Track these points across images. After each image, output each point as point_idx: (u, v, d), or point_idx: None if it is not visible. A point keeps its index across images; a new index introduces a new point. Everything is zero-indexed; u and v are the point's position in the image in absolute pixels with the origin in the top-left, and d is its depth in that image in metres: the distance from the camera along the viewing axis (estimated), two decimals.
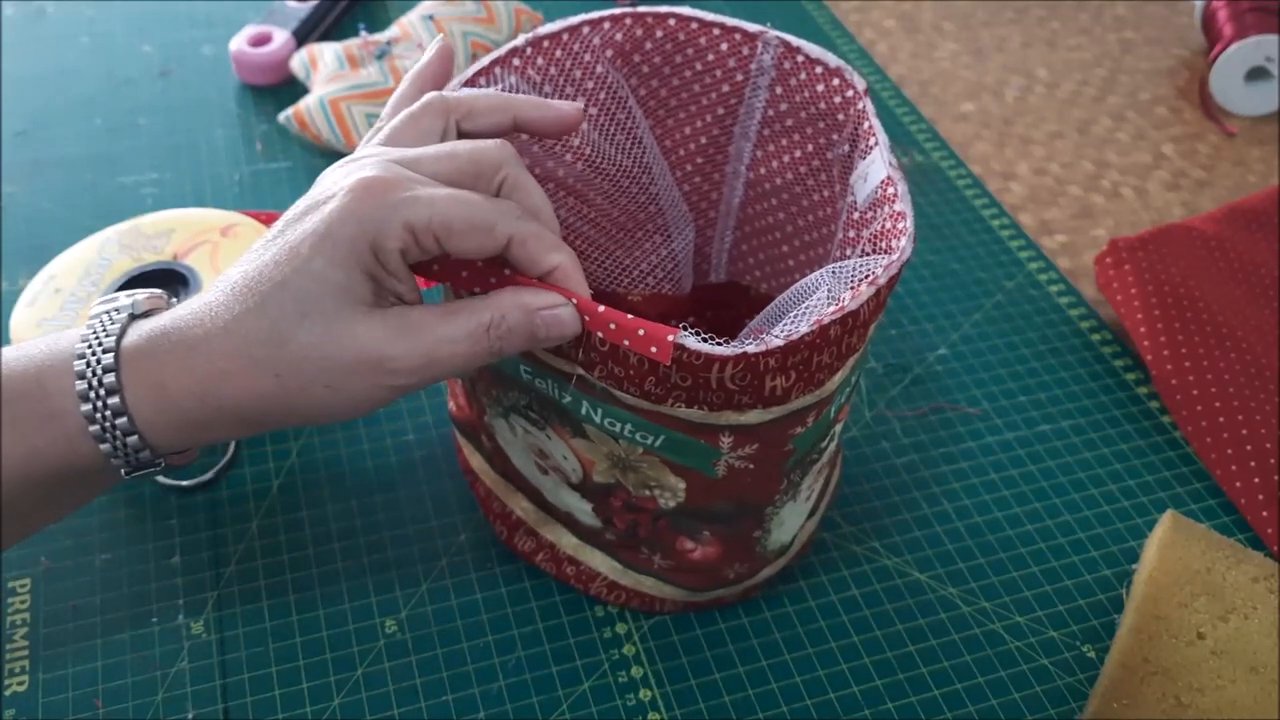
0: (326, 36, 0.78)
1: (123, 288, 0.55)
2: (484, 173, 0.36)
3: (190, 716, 0.43)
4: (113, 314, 0.35)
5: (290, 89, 0.74)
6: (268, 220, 0.59)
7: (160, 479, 0.51)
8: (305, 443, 0.53)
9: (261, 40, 0.74)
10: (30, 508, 0.36)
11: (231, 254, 0.56)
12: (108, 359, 0.34)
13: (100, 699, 0.44)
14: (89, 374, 0.33)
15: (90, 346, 0.34)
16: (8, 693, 0.44)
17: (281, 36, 0.74)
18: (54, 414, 0.34)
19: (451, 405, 0.50)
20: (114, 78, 0.75)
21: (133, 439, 0.34)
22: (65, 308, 0.54)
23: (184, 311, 0.35)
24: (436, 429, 0.54)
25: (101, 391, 0.33)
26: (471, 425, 0.48)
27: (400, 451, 0.53)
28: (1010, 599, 0.50)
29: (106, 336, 0.34)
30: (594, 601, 0.48)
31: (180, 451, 0.37)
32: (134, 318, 0.35)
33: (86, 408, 0.33)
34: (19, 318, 0.53)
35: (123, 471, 0.35)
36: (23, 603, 0.47)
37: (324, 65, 0.70)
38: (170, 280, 0.55)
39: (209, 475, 0.51)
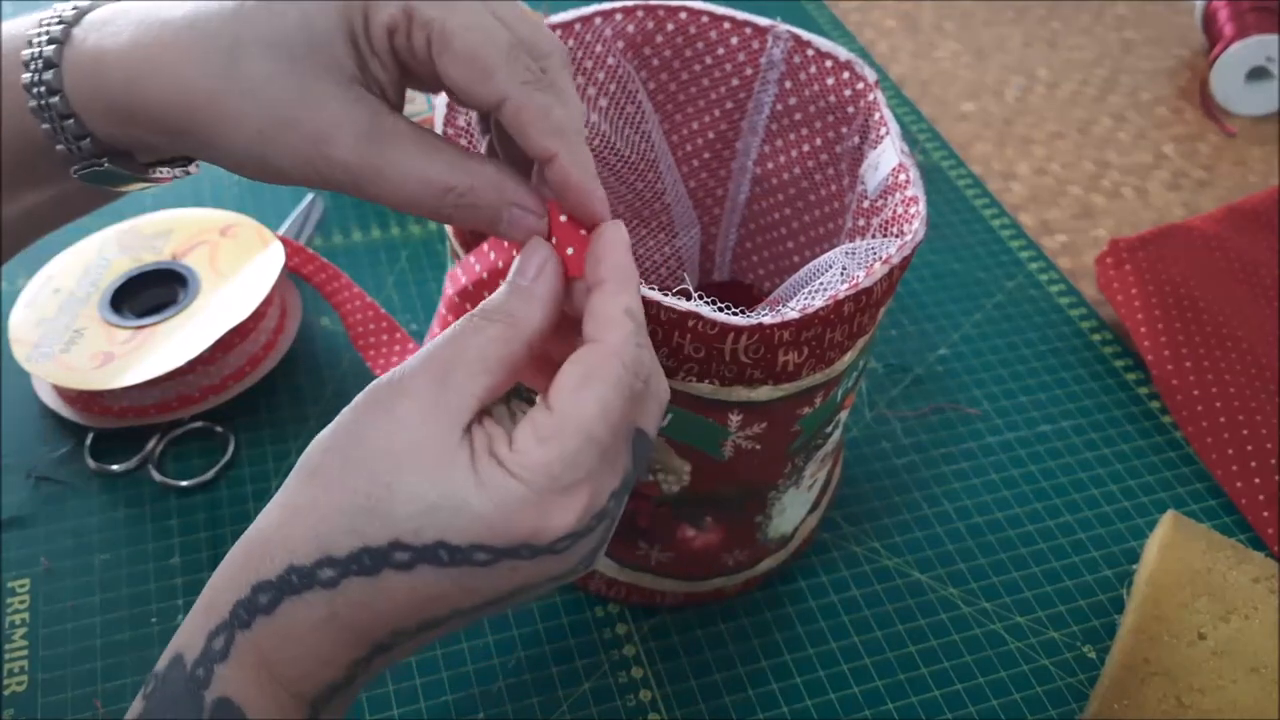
0: None
1: (121, 287, 0.54)
2: (538, 47, 0.32)
3: None
4: None
5: None
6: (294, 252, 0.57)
7: (159, 478, 0.51)
8: (305, 443, 0.53)
9: None
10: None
11: (230, 254, 0.56)
12: (57, 29, 0.32)
13: (100, 699, 0.44)
14: (37, 40, 0.32)
15: (48, 20, 0.32)
16: (7, 693, 0.44)
17: None
18: (10, 85, 0.32)
19: None
20: None
21: (70, 122, 0.32)
22: (64, 308, 0.54)
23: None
24: None
25: (40, 64, 0.31)
26: None
27: None
28: (1011, 599, 0.50)
29: (69, 10, 0.32)
30: (594, 601, 0.48)
31: (125, 151, 0.34)
32: None
33: (26, 76, 0.32)
34: (18, 318, 0.53)
35: (73, 170, 0.33)
36: (22, 603, 0.47)
37: None
38: (169, 280, 0.55)
39: (209, 475, 0.51)
